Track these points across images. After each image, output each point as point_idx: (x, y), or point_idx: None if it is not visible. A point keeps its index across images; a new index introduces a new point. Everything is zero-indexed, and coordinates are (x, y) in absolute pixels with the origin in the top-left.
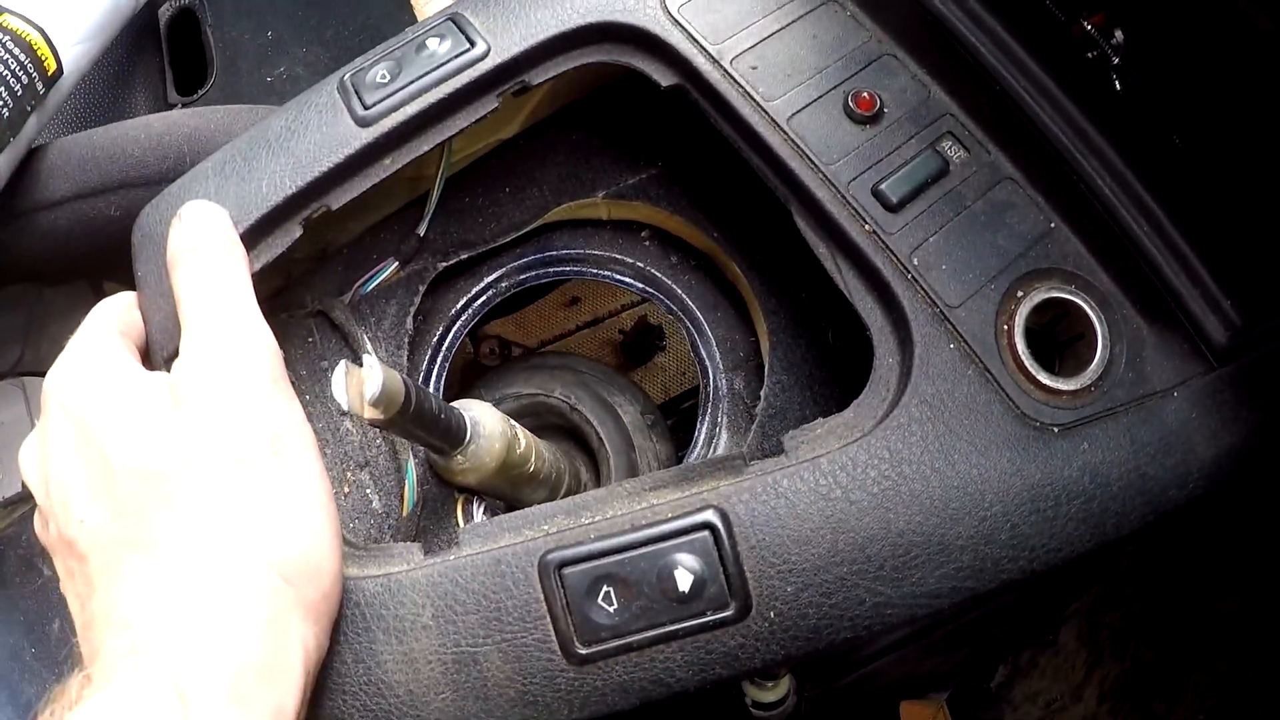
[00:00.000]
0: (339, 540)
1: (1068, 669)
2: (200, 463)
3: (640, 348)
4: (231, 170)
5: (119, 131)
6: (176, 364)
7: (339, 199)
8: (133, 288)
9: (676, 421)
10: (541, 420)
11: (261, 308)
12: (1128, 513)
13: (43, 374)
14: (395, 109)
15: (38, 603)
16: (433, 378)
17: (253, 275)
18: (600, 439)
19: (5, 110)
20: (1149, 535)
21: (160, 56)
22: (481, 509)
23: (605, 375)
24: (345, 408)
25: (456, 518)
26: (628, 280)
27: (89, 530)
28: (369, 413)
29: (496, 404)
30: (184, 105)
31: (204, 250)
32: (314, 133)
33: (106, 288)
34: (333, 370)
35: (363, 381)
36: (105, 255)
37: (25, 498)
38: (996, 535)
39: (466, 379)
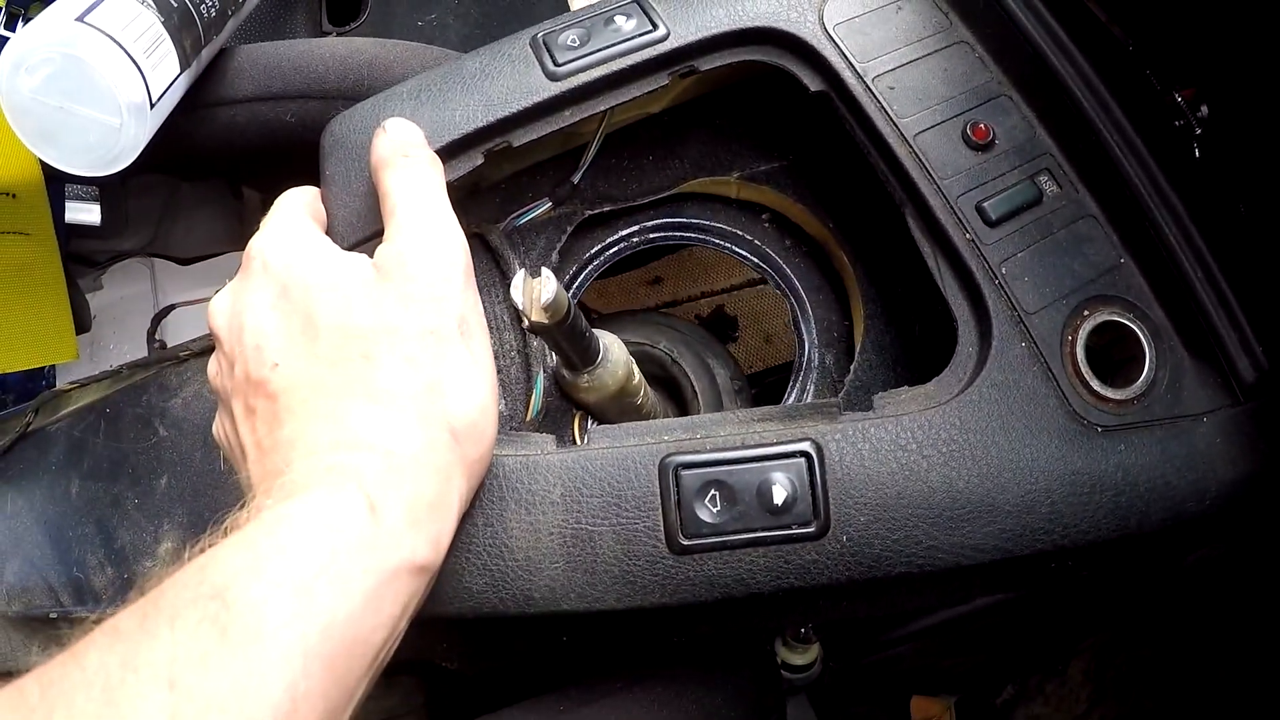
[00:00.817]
0: (496, 414)
1: (1071, 701)
2: (399, 328)
3: (714, 334)
4: (427, 97)
5: (305, 47)
6: (382, 248)
7: (520, 138)
8: (270, 193)
9: (757, 393)
10: (645, 369)
11: None
12: (1150, 513)
13: (169, 257)
14: (582, 70)
15: (149, 459)
16: None
17: None
18: (695, 392)
19: (213, 10)
20: (1167, 549)
21: None
22: (593, 425)
23: (704, 338)
24: (520, 307)
25: (574, 433)
26: (744, 254)
27: (284, 373)
28: (537, 315)
29: None
30: (337, 35)
31: (413, 157)
32: (506, 78)
33: (245, 192)
34: (511, 279)
35: (539, 288)
36: (265, 158)
37: (149, 362)
38: (1037, 507)
39: None
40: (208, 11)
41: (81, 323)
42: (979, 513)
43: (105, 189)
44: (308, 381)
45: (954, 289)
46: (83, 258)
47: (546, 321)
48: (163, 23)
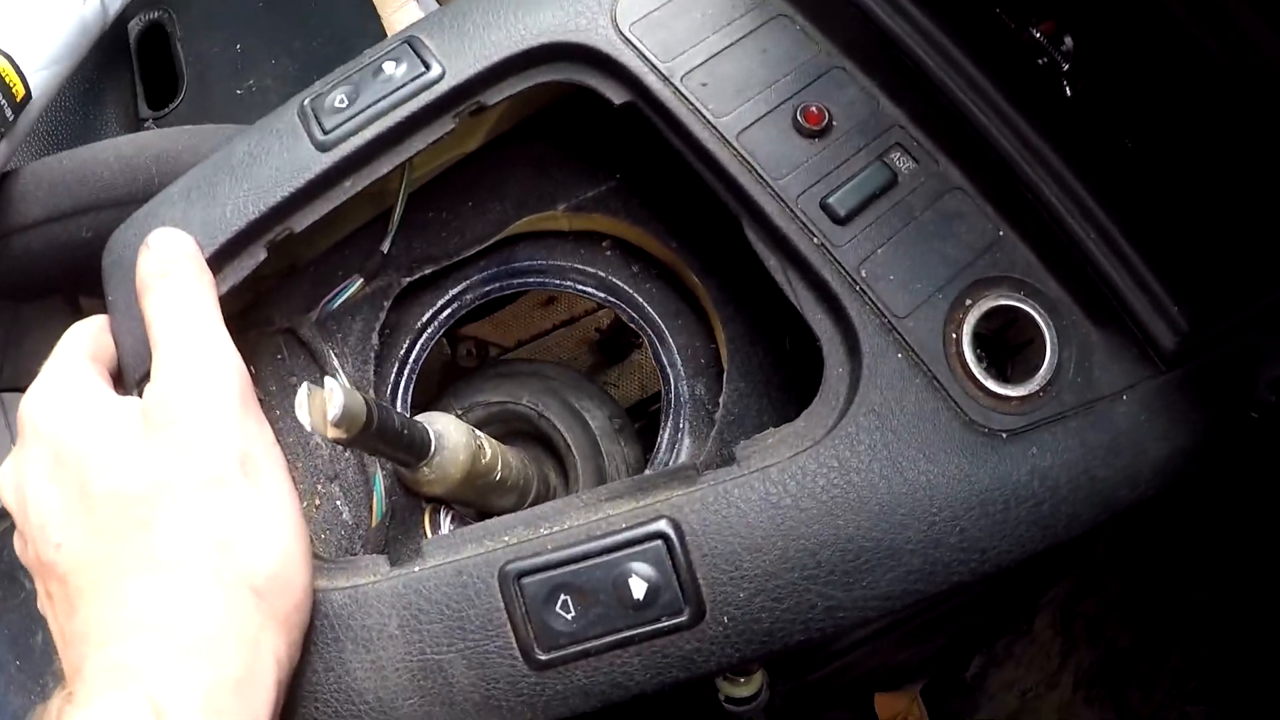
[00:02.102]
0: (309, 555)
1: (1043, 658)
2: (175, 485)
3: (617, 345)
4: (197, 196)
5: (88, 155)
6: (148, 388)
7: (301, 222)
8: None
9: (646, 424)
10: (510, 427)
11: (230, 325)
12: (1079, 514)
13: (20, 389)
14: (353, 133)
15: (21, 616)
16: (399, 391)
17: (220, 297)
18: (568, 445)
19: None
20: (1119, 526)
21: (131, 72)
22: (449, 518)
23: (573, 381)
24: (309, 429)
25: (424, 528)
26: (590, 290)
27: (67, 553)
28: (332, 432)
29: (466, 412)
30: (155, 120)
31: (172, 276)
32: (275, 158)
33: (83, 304)
34: (300, 388)
35: (325, 402)
36: (79, 274)
37: (4, 514)
38: (945, 539)
39: (446, 379)
40: None
41: None
42: (878, 559)
43: None
44: (91, 560)
45: (810, 303)
46: None
47: (344, 435)
48: None
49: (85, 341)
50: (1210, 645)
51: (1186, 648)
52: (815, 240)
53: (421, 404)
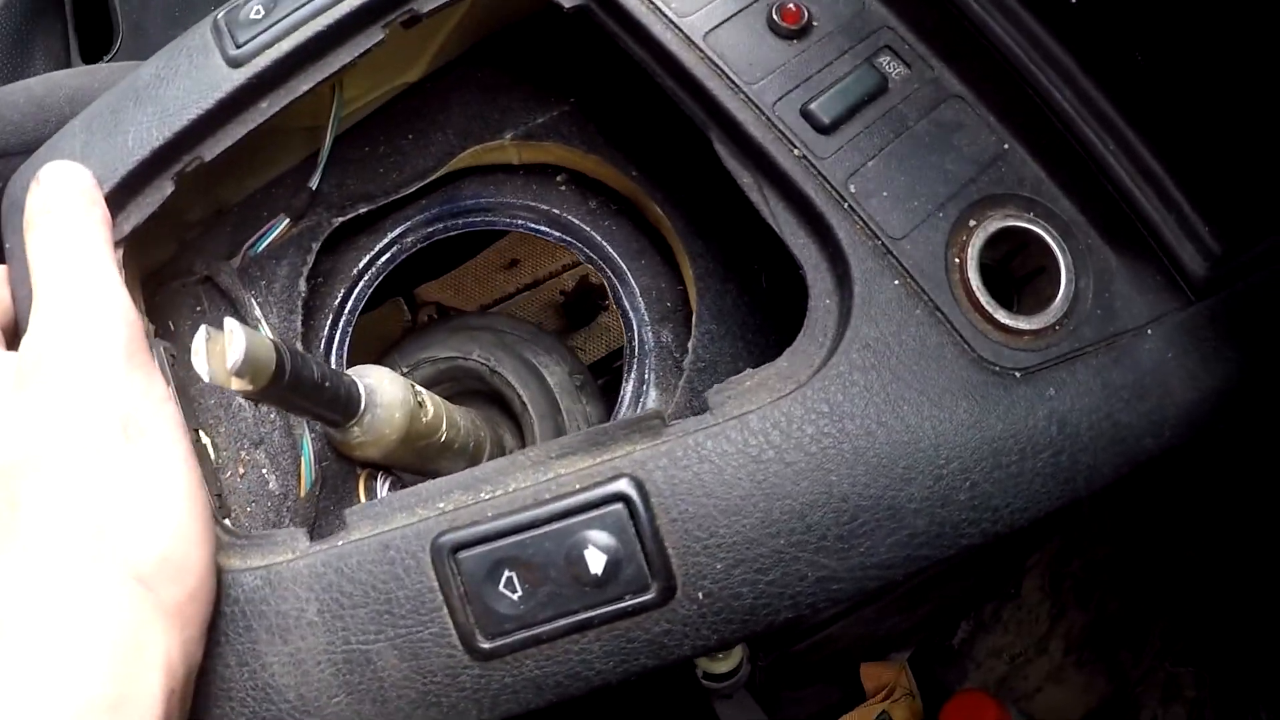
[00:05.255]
0: (208, 531)
1: (1031, 622)
2: (44, 455)
3: (583, 308)
4: (98, 126)
5: None
6: (24, 340)
7: (212, 149)
8: None
9: (610, 381)
10: (461, 385)
11: (151, 278)
12: (1100, 465)
13: None
14: (269, 45)
15: None
16: (334, 345)
17: (129, 238)
18: (523, 402)
19: None
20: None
21: (63, 21)
22: (387, 486)
23: (530, 335)
24: (207, 378)
25: (359, 497)
26: (543, 229)
27: None
28: (235, 383)
29: (412, 369)
30: None
31: (57, 212)
32: (183, 78)
33: None
34: (198, 331)
35: (225, 347)
36: None
37: None
38: (954, 496)
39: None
40: None
41: None
42: (877, 521)
43: None
44: None
45: (791, 225)
46: None
47: (250, 388)
48: None
49: None
50: (1198, 606)
51: (1174, 609)
52: (796, 152)
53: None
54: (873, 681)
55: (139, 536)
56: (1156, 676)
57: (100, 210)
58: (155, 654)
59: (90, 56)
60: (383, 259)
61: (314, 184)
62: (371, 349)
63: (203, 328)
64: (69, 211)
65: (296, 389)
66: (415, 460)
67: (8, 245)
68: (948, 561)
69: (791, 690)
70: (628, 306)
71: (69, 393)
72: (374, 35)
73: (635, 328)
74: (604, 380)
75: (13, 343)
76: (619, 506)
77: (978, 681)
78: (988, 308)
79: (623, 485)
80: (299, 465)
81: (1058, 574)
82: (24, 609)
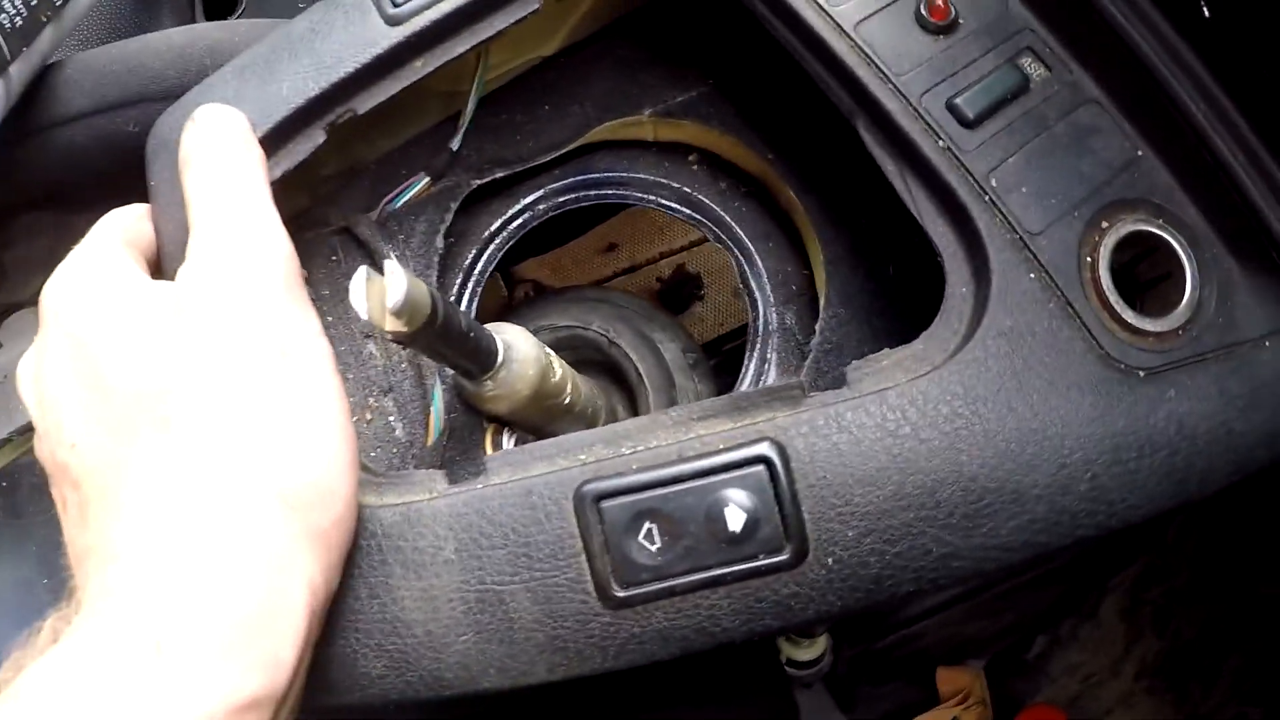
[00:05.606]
0: (354, 463)
1: (1107, 643)
2: (200, 378)
3: (678, 296)
4: (251, 74)
5: (139, 45)
6: (181, 270)
7: (365, 103)
8: None
9: (719, 362)
10: (578, 354)
11: (285, 226)
12: (1212, 470)
13: None
14: (428, 6)
15: (51, 531)
16: (463, 303)
17: (274, 187)
18: (640, 375)
19: (19, 19)
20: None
21: None
22: (512, 441)
23: (645, 310)
24: (364, 317)
25: (485, 449)
26: (673, 206)
27: (81, 454)
28: (390, 323)
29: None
30: None
31: (217, 149)
32: (339, 33)
33: None
34: (356, 272)
35: (385, 289)
36: (126, 174)
37: None
38: (1074, 486)
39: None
40: (10, 21)
41: None
42: (1002, 504)
43: None
44: (104, 463)
45: (932, 214)
46: None
47: (405, 329)
48: None
49: (120, 227)
50: (1271, 644)
51: (1248, 645)
52: (941, 143)
53: None
54: (948, 685)
55: (291, 462)
56: (1225, 712)
57: (257, 151)
58: (301, 575)
59: (214, 18)
60: (515, 223)
61: (455, 145)
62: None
63: (362, 268)
64: (227, 149)
65: (445, 335)
66: (540, 418)
67: (153, 184)
68: (1062, 551)
69: (869, 686)
70: (754, 287)
71: (228, 320)
72: (530, 4)
73: (761, 309)
74: (713, 361)
75: (155, 276)
76: (760, 468)
77: (1049, 697)
78: (1116, 307)
79: (765, 448)
80: (428, 415)
81: (1138, 599)
82: (175, 524)
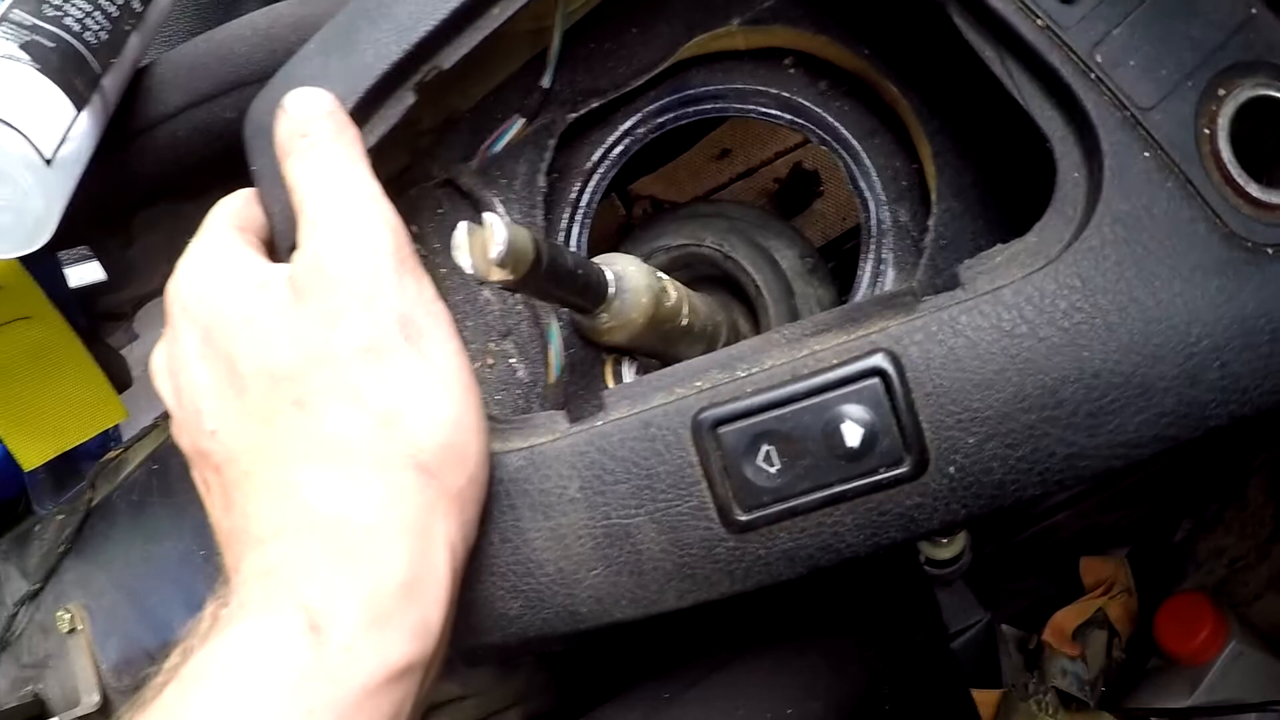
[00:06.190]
0: (482, 420)
1: (1254, 525)
2: (328, 357)
3: (797, 195)
4: (334, 47)
5: (224, 34)
6: (295, 255)
7: (449, 57)
8: None
9: (838, 265)
10: (694, 271)
11: (388, 186)
12: None
13: None
14: None
15: (202, 507)
16: (573, 237)
17: (371, 151)
18: (757, 286)
19: (104, 34)
20: None
21: None
22: (634, 370)
23: (759, 220)
24: (470, 270)
25: (606, 380)
26: (774, 113)
27: (220, 440)
28: (496, 274)
29: (646, 259)
30: None
31: (312, 136)
32: None
33: None
34: (458, 228)
35: (486, 240)
36: (230, 160)
37: None
38: (1204, 375)
39: (621, 240)
40: (95, 38)
41: (122, 381)
42: (1127, 399)
43: (98, 241)
44: (245, 446)
45: (1036, 98)
46: (109, 314)
47: (512, 277)
48: (39, 69)
49: (231, 214)
50: None
51: None
52: (1039, 21)
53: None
54: (1092, 576)
55: (422, 428)
56: None
57: (352, 130)
58: (440, 539)
59: None
60: (616, 150)
61: (546, 82)
62: (593, 247)
63: (462, 224)
64: (322, 133)
65: (552, 277)
66: (659, 344)
67: (255, 167)
68: (1194, 444)
69: (1011, 582)
70: (863, 186)
71: (347, 298)
72: None
73: (872, 208)
74: (831, 264)
75: (272, 257)
76: (875, 381)
77: (1196, 583)
78: (1239, 181)
79: (879, 360)
80: (547, 353)
81: None
82: (320, 502)
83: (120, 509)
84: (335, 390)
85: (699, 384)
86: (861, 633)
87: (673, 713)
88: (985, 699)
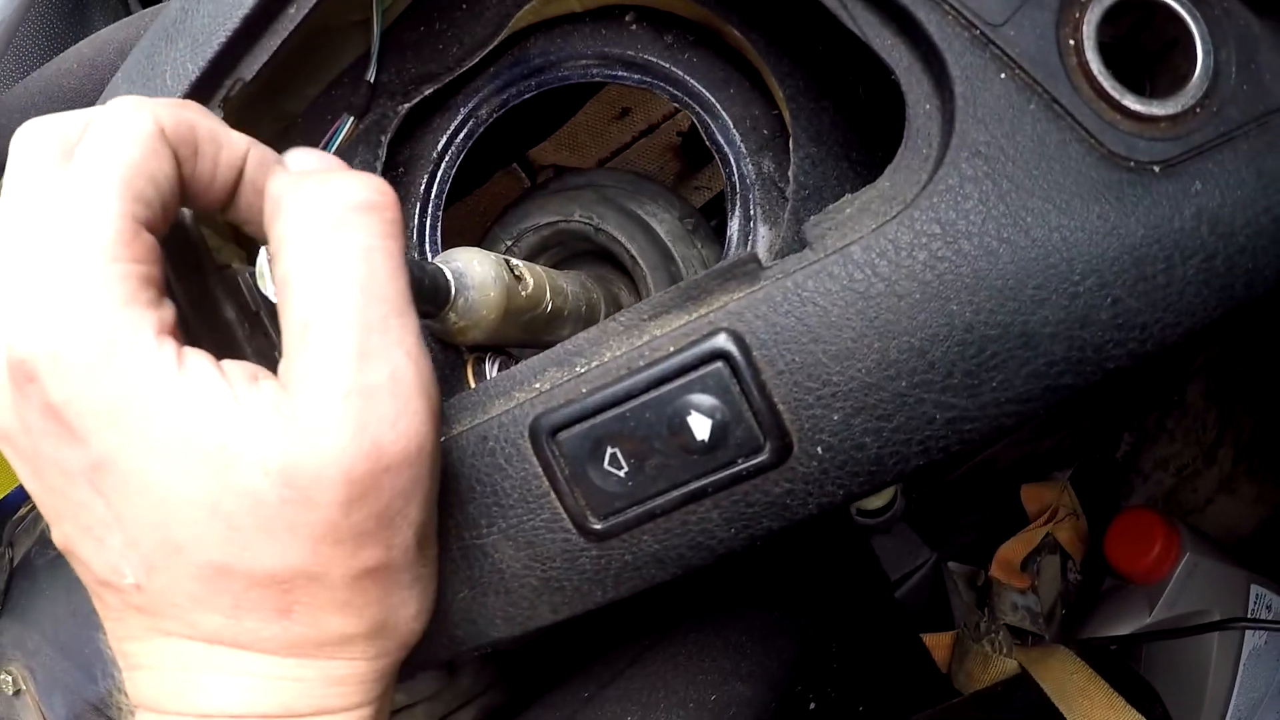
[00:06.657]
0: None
1: (1198, 430)
2: (324, 576)
3: (702, 146)
4: (137, 74)
5: (52, 69)
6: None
7: (250, 67)
8: None
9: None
10: (569, 248)
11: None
12: (1261, 267)
13: None
14: None
15: None
16: (426, 232)
17: None
18: (632, 256)
19: None
20: None
21: None
22: (496, 366)
23: (632, 185)
24: (274, 299)
25: (469, 381)
26: (620, 74)
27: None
28: None
29: (515, 242)
30: None
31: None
32: (207, 5)
33: None
34: (259, 254)
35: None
36: None
37: None
38: (1095, 315)
39: None
40: None
41: None
42: (1009, 351)
43: None
44: (181, 596)
45: (874, 26)
46: None
47: None
48: None
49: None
50: None
51: None
52: None
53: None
54: (1035, 503)
55: (406, 629)
56: None
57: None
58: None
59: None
60: (460, 136)
61: (370, 76)
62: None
63: (263, 249)
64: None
65: None
66: (525, 335)
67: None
68: (1093, 389)
69: (953, 519)
70: (721, 140)
71: (369, 514)
72: None
73: (733, 161)
74: (715, 221)
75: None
76: (719, 365)
77: (1144, 496)
78: (1113, 93)
79: (720, 341)
80: None
81: (1223, 378)
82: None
83: (39, 565)
84: (326, 602)
85: (538, 385)
86: (794, 599)
87: (590, 713)
88: (939, 642)
